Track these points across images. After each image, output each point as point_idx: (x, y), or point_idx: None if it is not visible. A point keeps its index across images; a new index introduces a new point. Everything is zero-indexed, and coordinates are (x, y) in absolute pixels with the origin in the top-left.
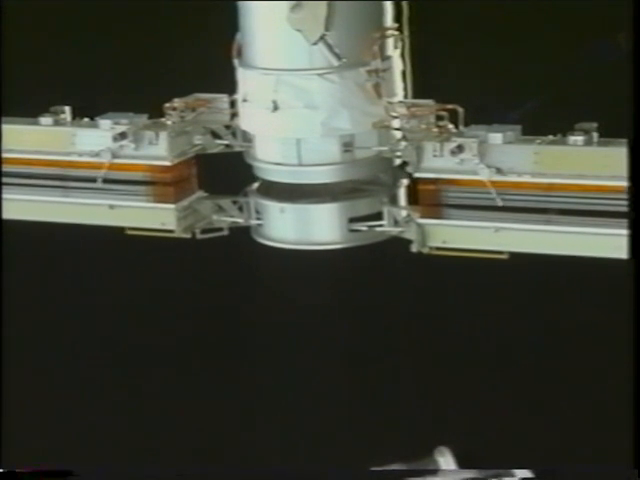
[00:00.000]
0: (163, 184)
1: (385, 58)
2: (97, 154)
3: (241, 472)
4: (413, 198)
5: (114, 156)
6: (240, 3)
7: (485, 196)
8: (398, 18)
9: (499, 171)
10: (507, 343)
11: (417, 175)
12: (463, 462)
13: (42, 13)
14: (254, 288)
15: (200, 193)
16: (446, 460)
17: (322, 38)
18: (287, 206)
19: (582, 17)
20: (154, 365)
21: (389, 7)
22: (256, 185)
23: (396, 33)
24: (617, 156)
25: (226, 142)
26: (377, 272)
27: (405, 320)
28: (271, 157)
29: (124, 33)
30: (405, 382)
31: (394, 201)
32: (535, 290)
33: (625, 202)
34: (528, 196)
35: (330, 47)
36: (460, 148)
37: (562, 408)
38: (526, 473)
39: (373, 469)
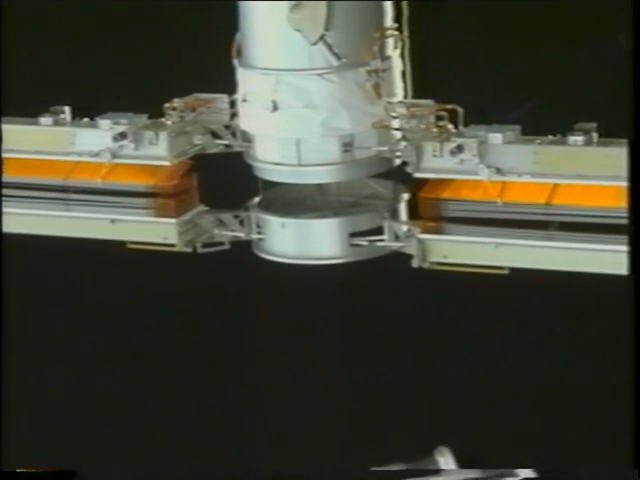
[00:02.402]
0: (164, 196)
1: (385, 58)
2: (97, 154)
3: (241, 472)
4: (414, 212)
5: (114, 156)
6: (240, 3)
7: (486, 208)
8: (398, 18)
9: (499, 171)
10: (508, 346)
11: (417, 175)
12: (464, 462)
13: (42, 13)
14: (254, 302)
15: (201, 207)
16: (446, 460)
17: (322, 38)
18: (288, 221)
19: (582, 17)
20: (155, 369)
21: (389, 7)
22: (257, 199)
23: (396, 33)
24: (617, 156)
25: (226, 142)
26: (377, 287)
27: (405, 325)
28: (271, 157)
29: (124, 33)
30: (405, 383)
31: (395, 216)
32: (535, 300)
33: (625, 216)
34: (529, 208)
35: (330, 47)
36: (460, 148)
37: (562, 408)
38: (529, 473)
39: (373, 469)
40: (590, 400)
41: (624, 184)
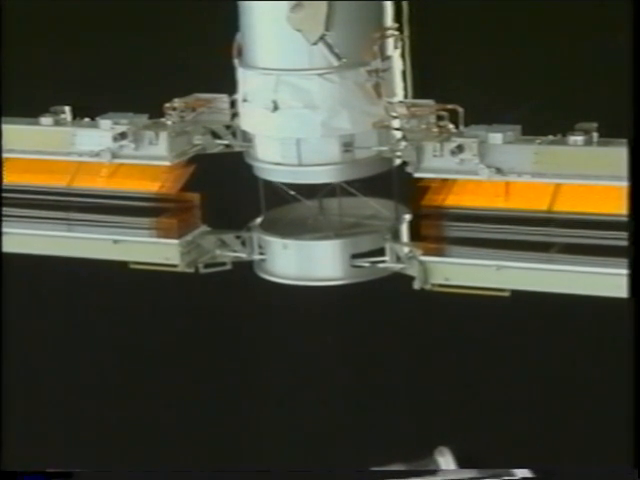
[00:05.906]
0: (167, 216)
1: (385, 58)
2: (97, 154)
3: (241, 472)
4: (416, 233)
5: (114, 156)
6: (240, 3)
7: (487, 227)
8: (398, 18)
9: (499, 171)
10: (509, 346)
11: (417, 175)
12: (463, 462)
13: (42, 13)
14: (256, 323)
15: (203, 227)
16: (446, 460)
17: (322, 38)
18: (290, 242)
19: (582, 17)
20: (156, 372)
21: (389, 7)
22: (259, 220)
23: (396, 33)
24: (617, 156)
25: (226, 142)
26: (378, 307)
27: (406, 336)
28: (271, 157)
29: (124, 33)
30: (406, 383)
31: (396, 237)
32: (535, 318)
33: (625, 236)
34: (529, 226)
35: (330, 47)
36: (460, 148)
37: (562, 408)
38: (526, 473)
39: (373, 469)
40: (590, 400)
41: (624, 184)
